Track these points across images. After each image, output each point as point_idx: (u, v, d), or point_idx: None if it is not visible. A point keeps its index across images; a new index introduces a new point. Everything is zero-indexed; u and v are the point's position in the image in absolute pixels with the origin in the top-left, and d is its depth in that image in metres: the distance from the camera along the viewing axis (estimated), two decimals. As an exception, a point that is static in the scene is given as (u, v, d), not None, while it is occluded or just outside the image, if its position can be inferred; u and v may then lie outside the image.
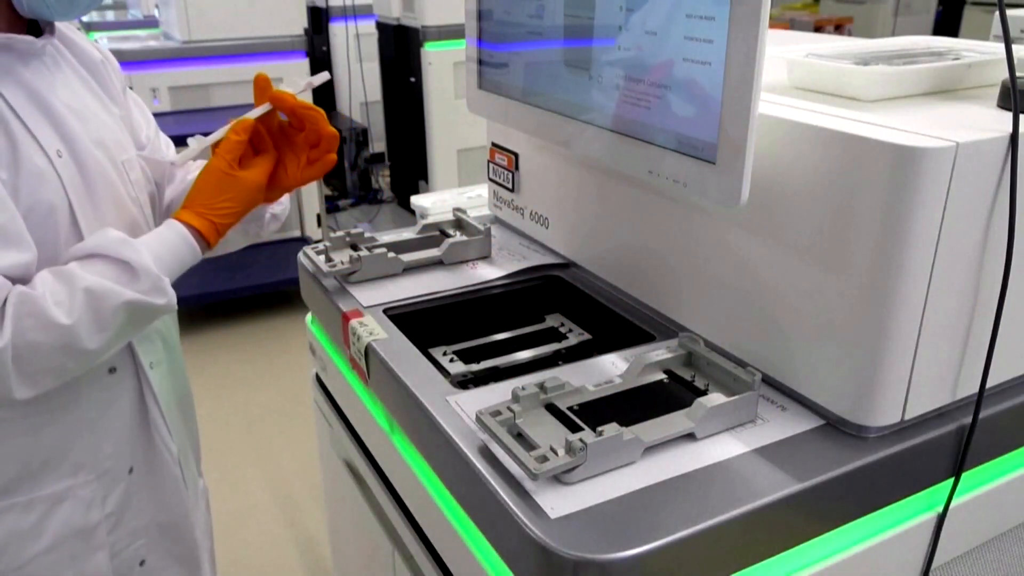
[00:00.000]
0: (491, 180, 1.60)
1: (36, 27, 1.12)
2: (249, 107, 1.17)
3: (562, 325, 1.40)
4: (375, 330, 1.20)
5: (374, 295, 1.32)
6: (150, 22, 4.69)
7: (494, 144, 1.56)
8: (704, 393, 0.99)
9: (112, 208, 1.13)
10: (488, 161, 1.58)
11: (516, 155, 1.49)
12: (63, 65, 1.14)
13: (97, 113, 1.16)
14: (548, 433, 0.91)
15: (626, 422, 0.90)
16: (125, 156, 1.19)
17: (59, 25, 1.16)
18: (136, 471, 1.23)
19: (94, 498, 1.17)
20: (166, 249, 1.08)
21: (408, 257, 1.41)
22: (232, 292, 3.80)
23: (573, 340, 1.35)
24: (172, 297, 1.07)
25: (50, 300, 0.97)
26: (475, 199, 2.28)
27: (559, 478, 0.86)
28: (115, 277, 1.02)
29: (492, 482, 0.87)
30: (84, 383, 1.13)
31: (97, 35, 4.45)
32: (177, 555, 1.33)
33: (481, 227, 1.46)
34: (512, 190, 1.53)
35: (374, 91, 4.96)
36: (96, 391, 1.15)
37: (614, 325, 1.27)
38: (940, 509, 0.98)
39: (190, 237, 1.10)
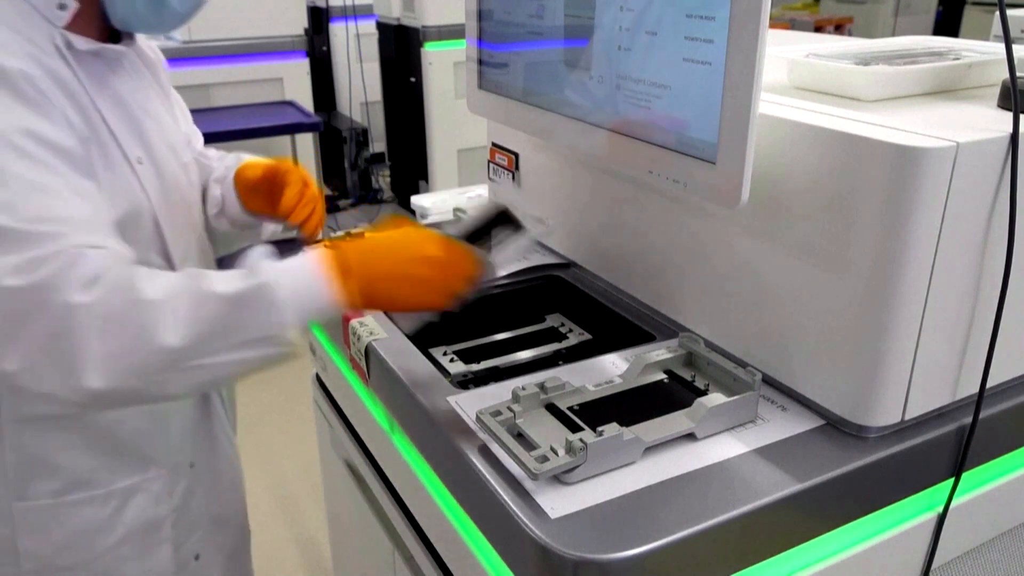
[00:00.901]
0: (491, 180, 1.60)
1: (116, 34, 1.10)
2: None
3: (562, 325, 1.40)
4: (375, 330, 1.20)
5: (374, 295, 1.32)
6: (150, 22, 4.68)
7: (494, 144, 1.55)
8: (704, 393, 0.99)
9: (183, 211, 1.15)
10: (488, 161, 1.58)
11: (516, 155, 1.49)
12: (142, 72, 1.15)
13: (167, 118, 1.18)
14: (548, 433, 0.91)
15: (626, 422, 0.90)
16: (187, 158, 1.20)
17: None
18: (197, 465, 1.24)
19: (162, 491, 1.18)
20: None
21: (408, 257, 1.41)
22: (232, 292, 3.79)
23: (573, 340, 1.35)
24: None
25: (144, 272, 0.86)
26: (475, 199, 2.27)
27: (559, 478, 0.86)
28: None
29: (492, 482, 0.87)
30: None
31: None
32: (222, 545, 1.33)
33: (481, 227, 1.46)
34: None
35: (374, 91, 4.95)
36: None
37: (614, 325, 1.27)
38: (940, 509, 0.98)
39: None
